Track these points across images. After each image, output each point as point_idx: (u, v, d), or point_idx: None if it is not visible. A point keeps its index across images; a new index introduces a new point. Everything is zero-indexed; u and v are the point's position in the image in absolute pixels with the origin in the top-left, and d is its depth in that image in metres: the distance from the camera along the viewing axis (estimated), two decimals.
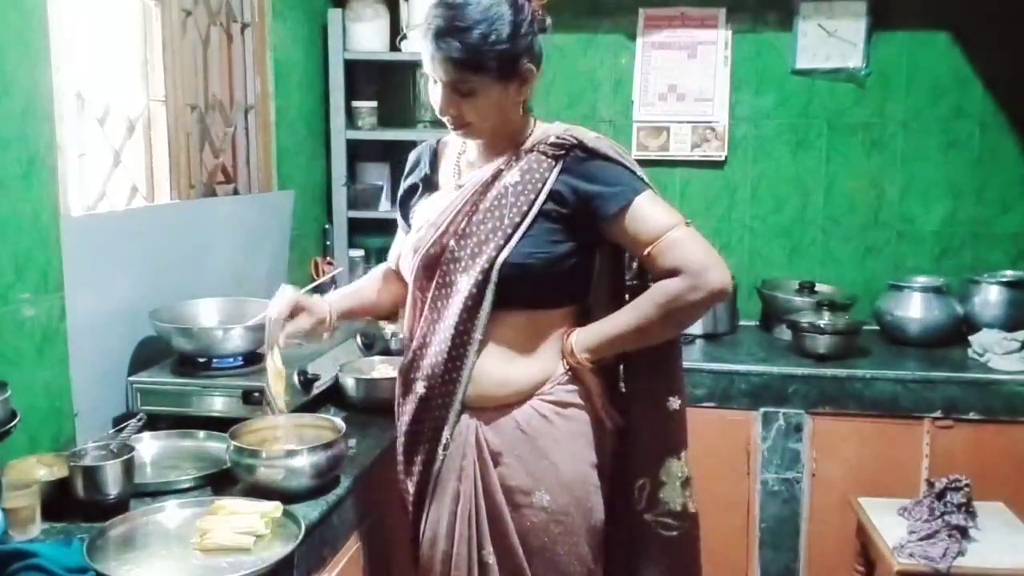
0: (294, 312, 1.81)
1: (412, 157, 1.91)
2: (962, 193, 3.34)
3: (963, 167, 3.33)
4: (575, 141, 1.68)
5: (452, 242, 1.68)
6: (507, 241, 1.65)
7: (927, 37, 3.28)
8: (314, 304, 1.85)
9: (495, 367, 1.69)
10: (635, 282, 1.79)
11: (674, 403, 1.77)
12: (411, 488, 1.79)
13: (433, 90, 1.68)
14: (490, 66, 1.60)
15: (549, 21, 1.71)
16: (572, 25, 3.43)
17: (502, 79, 1.63)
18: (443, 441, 1.72)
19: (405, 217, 1.88)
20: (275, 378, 1.82)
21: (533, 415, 1.70)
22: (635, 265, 1.79)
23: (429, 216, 1.76)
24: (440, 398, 1.72)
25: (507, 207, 1.66)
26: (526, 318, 1.70)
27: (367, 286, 2.01)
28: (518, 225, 1.65)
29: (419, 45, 1.66)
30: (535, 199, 1.66)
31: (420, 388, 1.73)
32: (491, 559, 1.69)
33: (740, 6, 3.37)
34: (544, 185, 1.67)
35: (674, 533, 1.76)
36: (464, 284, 1.66)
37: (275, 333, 1.79)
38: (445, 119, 1.70)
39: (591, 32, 3.45)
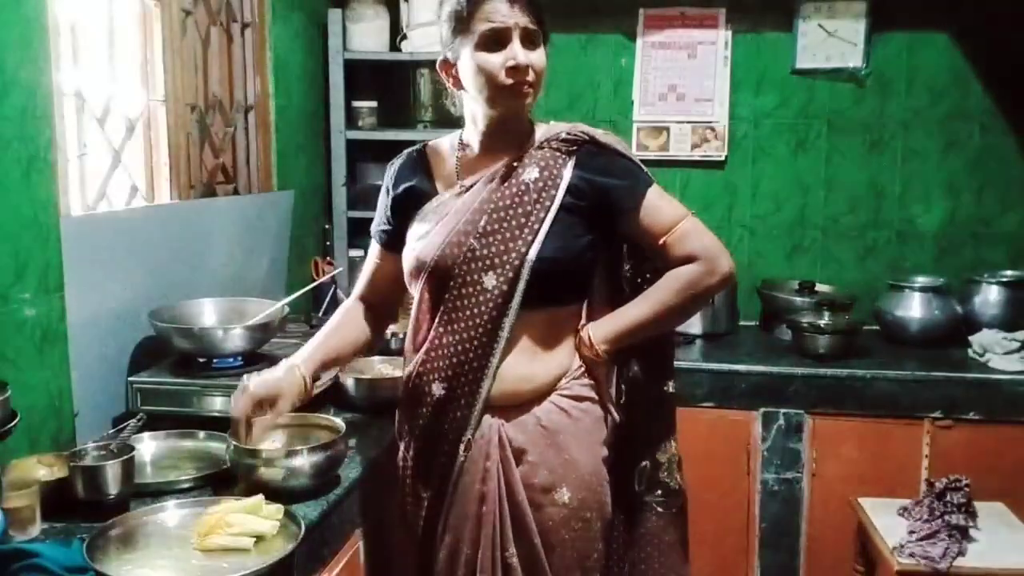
0: (262, 403, 1.70)
1: (395, 167, 1.85)
2: (962, 193, 3.35)
3: (963, 167, 3.33)
4: (587, 137, 1.72)
5: (473, 241, 1.67)
6: (535, 237, 1.66)
7: (927, 37, 3.28)
8: (283, 385, 1.72)
9: (519, 365, 1.70)
10: (631, 273, 1.82)
11: (671, 387, 1.85)
12: (424, 494, 1.76)
13: (494, 59, 1.62)
14: (545, 19, 1.68)
15: None
16: (572, 25, 3.43)
17: (545, 34, 1.69)
18: (465, 442, 1.71)
19: (400, 227, 1.81)
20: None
21: (553, 410, 1.71)
22: (631, 258, 1.82)
23: (437, 218, 1.73)
24: (463, 398, 1.70)
25: (530, 203, 1.67)
26: (546, 314, 1.71)
27: (339, 332, 1.86)
28: (543, 220, 1.67)
29: (489, 3, 1.62)
30: (556, 194, 1.68)
31: (438, 390, 1.71)
32: (514, 560, 1.68)
33: (740, 6, 3.37)
34: (562, 180, 1.69)
35: (673, 510, 1.84)
36: (491, 282, 1.67)
37: (242, 434, 1.70)
38: (509, 79, 1.63)
39: (591, 32, 3.45)
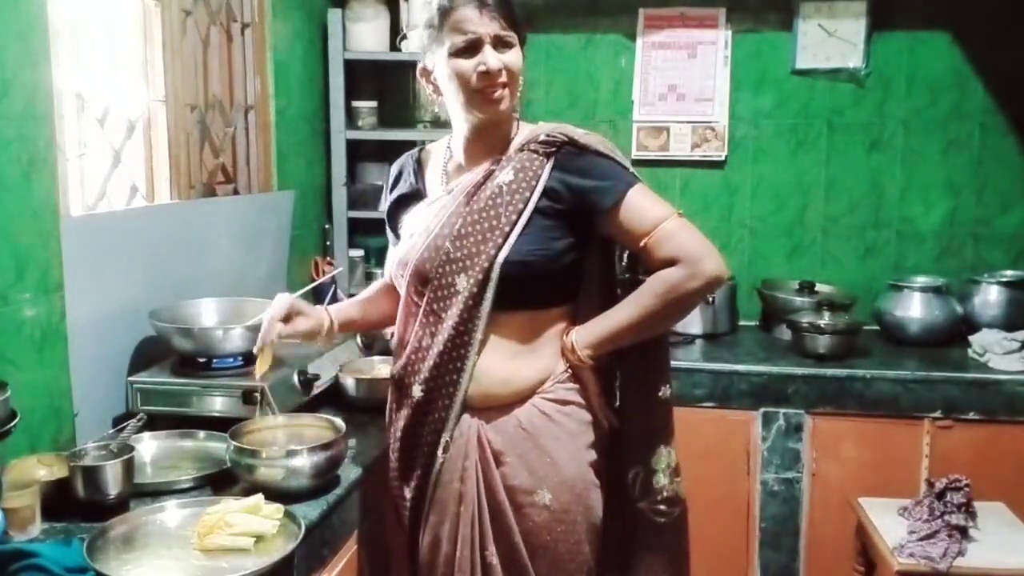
0: (290, 316, 1.83)
1: (394, 169, 1.92)
2: (962, 193, 3.34)
3: (963, 167, 3.33)
4: (565, 138, 1.70)
5: (448, 244, 1.68)
6: (505, 240, 1.66)
7: (927, 37, 3.28)
8: (313, 310, 1.88)
9: (497, 366, 1.69)
10: (626, 276, 1.80)
11: (665, 392, 1.80)
12: (408, 493, 1.79)
13: (465, 65, 1.64)
14: (521, 21, 1.68)
15: None
16: (572, 25, 3.44)
17: (522, 41, 1.70)
18: (443, 443, 1.72)
19: (394, 229, 1.89)
20: (262, 363, 1.86)
21: (535, 413, 1.70)
22: (625, 260, 1.80)
23: (420, 222, 1.77)
24: (441, 400, 1.71)
25: (503, 206, 1.67)
26: (526, 317, 1.71)
27: (371, 298, 2.01)
28: (515, 223, 1.66)
29: (458, 12, 1.64)
30: (530, 196, 1.67)
31: (417, 392, 1.73)
32: (494, 559, 1.69)
33: (740, 6, 3.37)
34: (538, 182, 1.68)
35: (665, 520, 1.79)
36: (463, 284, 1.67)
37: (269, 332, 1.81)
38: (481, 83, 1.65)
39: (591, 32, 3.45)
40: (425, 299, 1.72)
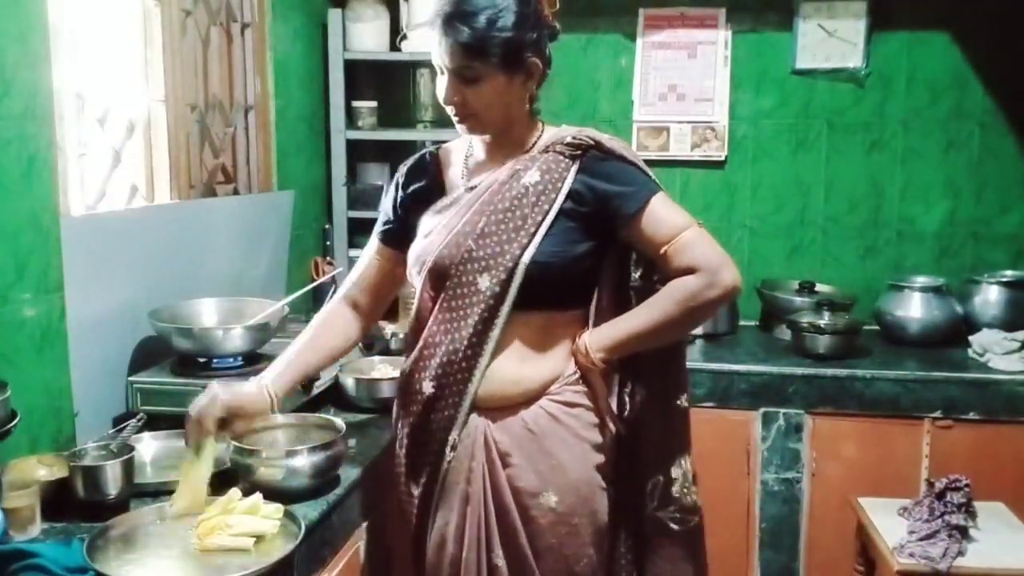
0: (225, 421, 1.69)
1: (407, 167, 1.87)
2: (962, 193, 3.35)
3: (963, 167, 3.33)
4: (592, 142, 1.70)
5: (471, 242, 1.68)
6: (531, 240, 1.66)
7: (927, 37, 3.28)
8: (249, 401, 1.72)
9: (508, 367, 1.69)
10: (640, 283, 1.80)
11: (683, 402, 1.82)
12: (415, 491, 1.78)
13: (440, 82, 1.69)
14: (494, 52, 1.62)
15: (559, 28, 1.74)
16: (572, 25, 3.43)
17: (506, 68, 1.65)
18: (451, 442, 1.71)
19: (405, 226, 1.82)
20: (185, 495, 1.65)
21: (541, 414, 1.70)
22: (640, 267, 1.80)
23: (441, 219, 1.75)
24: (450, 398, 1.71)
25: (529, 206, 1.67)
26: (541, 319, 1.71)
27: (315, 341, 1.84)
28: (540, 224, 1.67)
29: (428, 34, 1.67)
30: (555, 198, 1.68)
31: (428, 388, 1.72)
32: (500, 561, 1.69)
33: (740, 6, 3.37)
34: (563, 184, 1.68)
35: (681, 528, 1.79)
36: (485, 283, 1.66)
37: (202, 442, 1.66)
38: (450, 109, 1.70)
39: (591, 32, 3.45)
40: (442, 296, 1.71)
